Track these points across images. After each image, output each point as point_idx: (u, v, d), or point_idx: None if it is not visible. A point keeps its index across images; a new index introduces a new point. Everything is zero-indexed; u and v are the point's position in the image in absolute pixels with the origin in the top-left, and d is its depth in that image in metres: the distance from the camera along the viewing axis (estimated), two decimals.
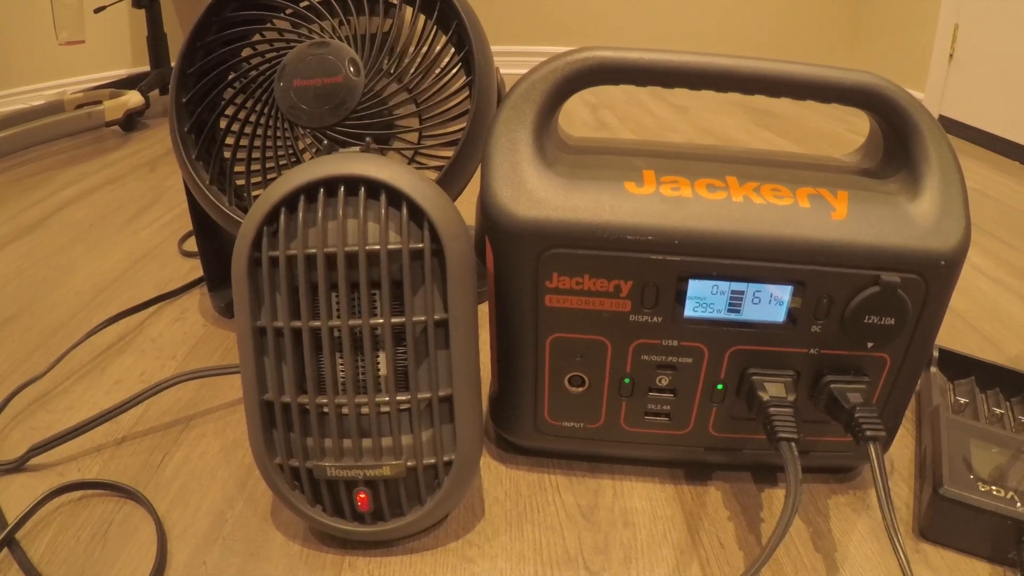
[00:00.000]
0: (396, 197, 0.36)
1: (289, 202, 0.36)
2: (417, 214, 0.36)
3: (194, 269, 0.78)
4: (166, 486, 0.45)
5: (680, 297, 0.39)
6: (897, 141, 0.42)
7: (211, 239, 0.67)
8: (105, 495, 0.44)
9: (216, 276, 0.68)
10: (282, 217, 0.36)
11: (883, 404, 0.43)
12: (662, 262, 0.38)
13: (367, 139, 0.38)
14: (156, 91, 1.42)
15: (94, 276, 0.76)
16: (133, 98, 1.33)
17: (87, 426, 0.47)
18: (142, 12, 1.50)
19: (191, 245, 0.83)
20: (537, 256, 0.38)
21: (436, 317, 0.36)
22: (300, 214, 0.36)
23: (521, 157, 0.38)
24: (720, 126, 1.60)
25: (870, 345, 0.41)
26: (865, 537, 0.42)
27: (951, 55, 1.75)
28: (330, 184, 0.36)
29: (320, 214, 0.36)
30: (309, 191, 0.36)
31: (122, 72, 1.69)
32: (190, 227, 0.86)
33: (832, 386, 0.41)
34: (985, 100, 1.60)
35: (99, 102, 1.29)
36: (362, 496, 0.38)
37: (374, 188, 0.36)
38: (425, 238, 0.36)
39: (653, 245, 0.37)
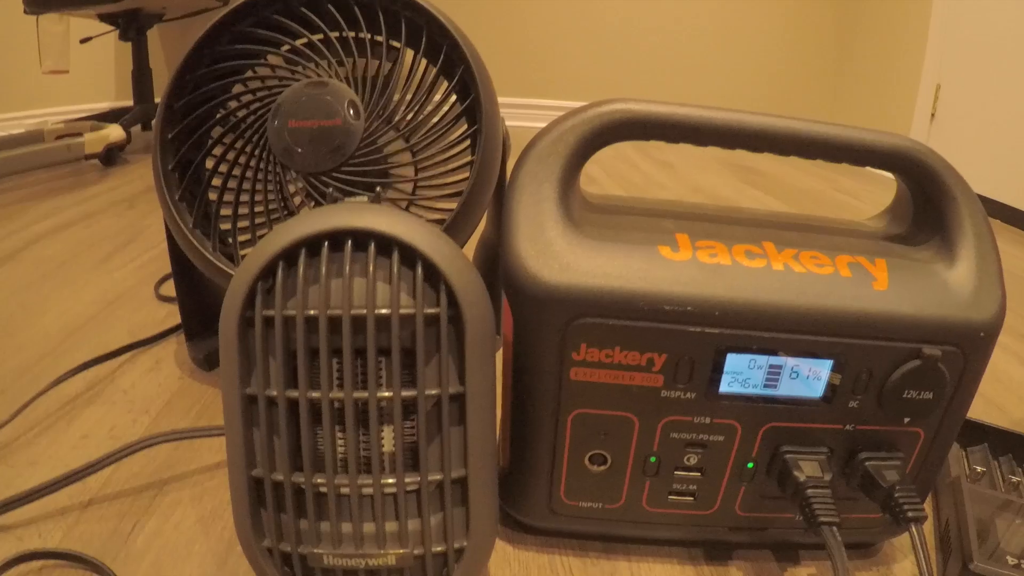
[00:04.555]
0: (410, 255, 0.31)
1: (288, 255, 0.31)
2: (433, 275, 0.31)
3: (171, 315, 0.71)
4: (136, 560, 0.39)
5: (716, 372, 0.34)
6: (929, 206, 0.39)
7: (191, 285, 0.60)
8: (68, 567, 0.38)
9: (195, 325, 0.61)
10: (279, 272, 0.31)
11: (913, 479, 0.39)
12: (700, 335, 0.33)
13: (377, 188, 0.33)
14: (138, 126, 1.35)
15: (64, 317, 0.69)
16: (114, 132, 1.26)
17: (50, 488, 0.41)
18: (128, 45, 1.44)
19: (168, 289, 0.76)
20: (565, 325, 0.33)
21: (451, 391, 0.31)
22: (300, 269, 0.31)
23: (547, 216, 0.34)
24: (707, 183, 1.57)
25: (907, 420, 0.37)
26: None
27: (933, 114, 1.75)
28: (335, 237, 0.31)
29: (323, 270, 0.30)
30: (311, 244, 0.31)
31: (104, 105, 1.62)
32: (167, 269, 0.80)
33: (867, 463, 0.37)
34: (967, 159, 1.60)
35: (80, 134, 1.22)
36: None
37: (385, 244, 0.31)
38: (442, 302, 0.31)
39: (692, 316, 0.33)
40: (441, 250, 0.31)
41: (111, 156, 1.28)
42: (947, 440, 0.39)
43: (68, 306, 0.72)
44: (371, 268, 0.31)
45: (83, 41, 1.39)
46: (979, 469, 0.49)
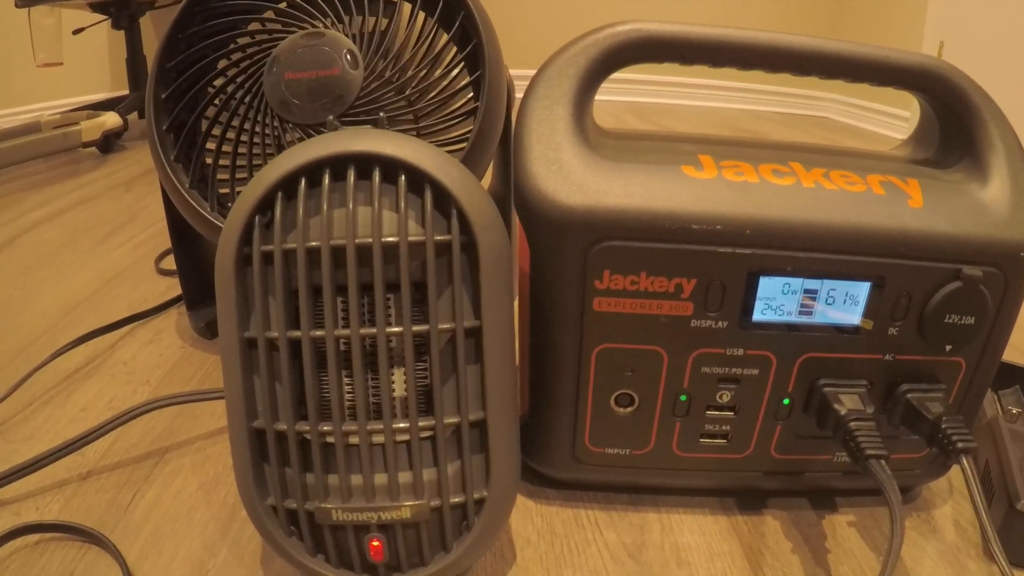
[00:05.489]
0: (418, 179, 0.28)
1: (287, 186, 0.28)
2: (443, 200, 0.28)
3: (171, 288, 0.68)
4: (136, 530, 0.36)
5: (749, 298, 0.31)
6: (956, 127, 0.36)
7: (191, 252, 0.57)
8: (66, 539, 0.35)
9: (196, 293, 0.58)
10: (278, 204, 0.28)
11: (956, 412, 0.37)
12: (731, 256, 0.30)
13: (380, 114, 0.30)
14: (135, 114, 1.32)
15: (62, 297, 0.66)
16: (111, 119, 1.23)
17: (47, 459, 0.38)
18: (121, 34, 1.40)
19: (169, 263, 0.73)
20: (586, 251, 0.30)
21: (466, 325, 0.28)
22: (300, 200, 0.28)
23: (561, 138, 0.31)
24: None
25: (948, 348, 0.34)
26: (937, 562, 0.35)
27: None
28: (337, 164, 0.28)
29: (325, 200, 0.27)
30: (311, 173, 0.28)
31: (100, 96, 1.58)
32: (167, 246, 0.76)
33: (909, 396, 0.34)
34: None
35: (76, 123, 1.18)
36: (375, 543, 0.29)
37: (391, 168, 0.28)
38: (453, 229, 0.28)
39: (721, 236, 0.30)
40: (451, 174, 0.28)
41: (108, 143, 1.25)
42: (989, 371, 0.36)
43: (66, 286, 0.69)
44: (376, 195, 0.28)
45: (76, 32, 1.35)
46: (1014, 410, 0.46)
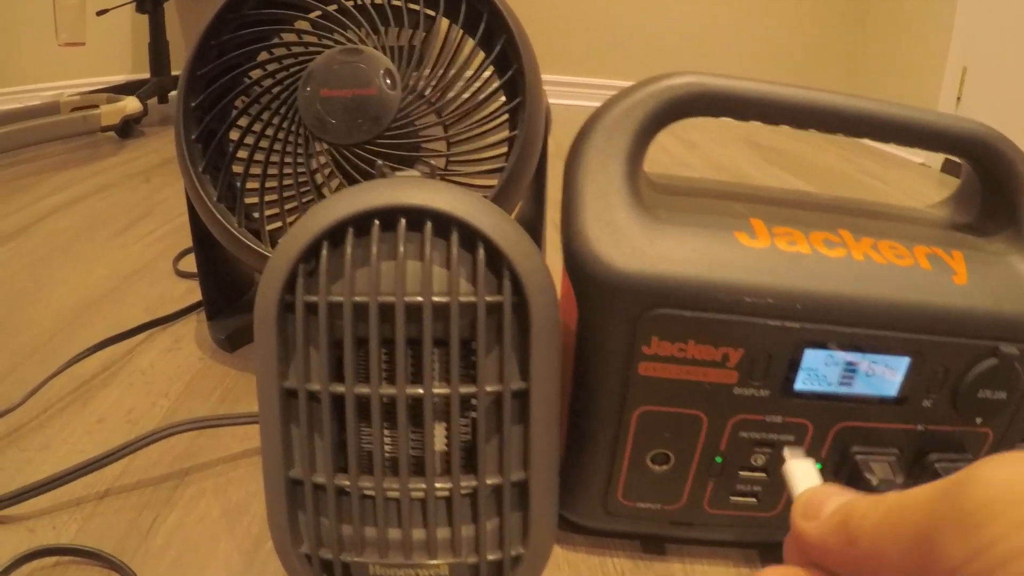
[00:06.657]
0: (470, 237, 0.27)
1: (333, 235, 0.27)
2: (495, 259, 0.27)
3: (190, 291, 0.66)
4: (157, 557, 0.35)
5: (792, 369, 0.30)
6: (1000, 196, 0.36)
7: (213, 262, 0.56)
8: (83, 563, 0.34)
9: (216, 303, 0.57)
10: (324, 253, 0.27)
11: None
12: (780, 328, 0.29)
13: (432, 162, 0.29)
14: (154, 99, 1.29)
15: (77, 292, 0.64)
16: (131, 104, 1.20)
17: (64, 478, 0.37)
18: (145, 17, 1.37)
19: (187, 264, 0.71)
20: (636, 317, 0.29)
21: (513, 387, 0.27)
22: (348, 250, 0.26)
23: (616, 197, 0.30)
24: (731, 161, 1.49)
25: (979, 420, 0.33)
26: None
27: (959, 98, 1.65)
28: (387, 215, 0.27)
29: (374, 252, 0.26)
30: (359, 222, 0.27)
31: (121, 78, 1.55)
32: (185, 243, 0.75)
33: (938, 465, 0.34)
34: None
35: (96, 106, 1.16)
36: None
37: (443, 224, 0.27)
38: (505, 290, 0.27)
39: (772, 309, 0.29)
40: (504, 231, 0.27)
41: (127, 128, 1.23)
42: (1014, 439, 0.35)
43: (82, 280, 0.67)
44: (427, 250, 0.26)
45: (99, 13, 1.33)
46: None
